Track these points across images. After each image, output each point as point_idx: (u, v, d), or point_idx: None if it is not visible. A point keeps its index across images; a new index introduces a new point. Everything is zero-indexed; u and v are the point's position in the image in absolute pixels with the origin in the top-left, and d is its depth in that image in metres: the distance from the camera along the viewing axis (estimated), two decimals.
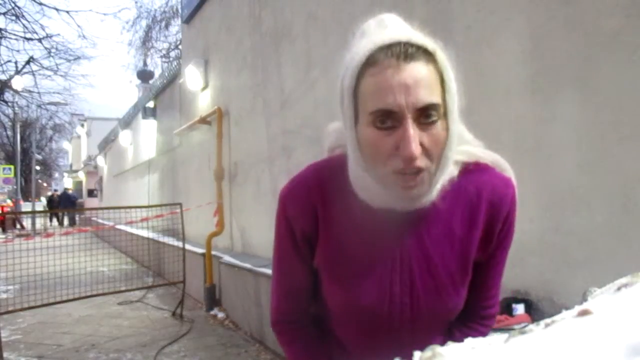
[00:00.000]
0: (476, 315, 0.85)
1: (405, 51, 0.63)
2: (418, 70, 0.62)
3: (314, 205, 0.77)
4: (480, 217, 0.75)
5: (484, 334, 0.85)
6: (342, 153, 0.77)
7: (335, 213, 0.76)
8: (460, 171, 0.73)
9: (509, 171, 0.77)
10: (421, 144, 0.63)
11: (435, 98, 0.63)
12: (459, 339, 0.85)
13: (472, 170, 0.75)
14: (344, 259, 0.77)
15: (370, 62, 0.63)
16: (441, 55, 0.65)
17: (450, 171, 0.70)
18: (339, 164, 0.76)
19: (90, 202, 20.29)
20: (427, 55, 0.64)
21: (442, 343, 0.91)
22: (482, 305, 0.85)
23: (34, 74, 15.89)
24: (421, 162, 0.63)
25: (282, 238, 0.82)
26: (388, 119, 0.63)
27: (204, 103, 5.92)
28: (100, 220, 11.28)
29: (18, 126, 17.37)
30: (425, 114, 0.62)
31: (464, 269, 0.77)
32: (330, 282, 0.80)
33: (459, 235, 0.75)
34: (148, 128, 9.06)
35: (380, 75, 0.62)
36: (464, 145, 0.75)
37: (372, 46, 0.64)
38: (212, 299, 4.77)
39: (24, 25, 13.45)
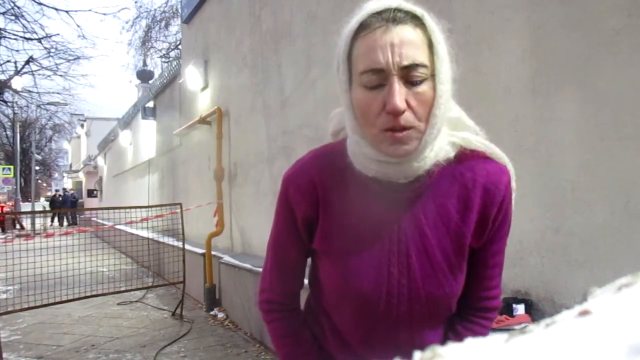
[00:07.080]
0: (477, 307, 0.86)
1: (395, 15, 0.67)
2: (406, 31, 0.67)
3: (315, 189, 0.79)
4: (475, 201, 0.76)
5: (486, 328, 0.86)
6: (345, 137, 0.79)
7: (335, 197, 0.78)
8: (457, 155, 0.75)
9: (504, 159, 0.79)
10: (408, 103, 0.66)
11: (421, 58, 0.66)
12: (461, 333, 0.85)
13: (468, 156, 0.76)
14: (343, 242, 0.78)
15: (363, 26, 0.68)
16: (429, 20, 0.69)
17: (446, 150, 0.72)
18: (339, 149, 0.78)
19: (90, 203, 20.27)
20: (416, 20, 0.68)
21: (443, 338, 0.91)
22: (481, 295, 0.85)
23: (33, 74, 15.87)
24: (407, 119, 0.66)
25: (282, 219, 0.84)
26: (377, 79, 0.66)
27: (203, 103, 5.92)
28: (100, 221, 11.28)
29: (17, 126, 17.37)
30: (411, 73, 0.66)
31: (460, 252, 0.77)
32: (328, 265, 0.81)
33: (454, 217, 0.76)
34: (148, 128, 9.06)
35: (370, 37, 0.67)
36: (464, 131, 0.77)
37: (364, 12, 0.69)
38: (212, 299, 4.77)
39: (23, 25, 13.42)
